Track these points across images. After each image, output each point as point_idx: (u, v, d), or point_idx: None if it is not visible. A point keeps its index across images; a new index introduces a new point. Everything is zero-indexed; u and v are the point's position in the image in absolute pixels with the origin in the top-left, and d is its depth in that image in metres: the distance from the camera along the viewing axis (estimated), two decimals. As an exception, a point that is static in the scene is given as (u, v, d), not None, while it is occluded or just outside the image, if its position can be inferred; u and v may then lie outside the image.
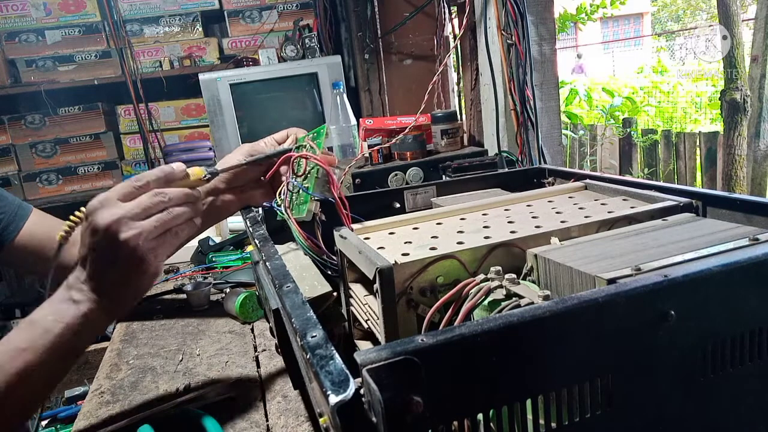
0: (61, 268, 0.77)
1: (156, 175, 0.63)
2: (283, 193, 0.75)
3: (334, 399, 0.31)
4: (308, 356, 0.35)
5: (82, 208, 0.62)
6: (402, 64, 2.30)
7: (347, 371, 0.33)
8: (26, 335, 0.57)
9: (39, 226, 0.90)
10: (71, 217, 0.64)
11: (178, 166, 0.66)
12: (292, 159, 0.76)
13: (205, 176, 0.69)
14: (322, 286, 0.63)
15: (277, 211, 0.75)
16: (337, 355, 0.34)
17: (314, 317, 0.41)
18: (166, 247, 0.61)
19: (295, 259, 0.71)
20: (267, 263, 0.57)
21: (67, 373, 0.63)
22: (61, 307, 0.59)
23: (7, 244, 0.87)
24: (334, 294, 0.64)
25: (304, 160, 0.74)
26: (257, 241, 0.66)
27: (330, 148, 1.63)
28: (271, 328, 0.70)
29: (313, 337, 0.38)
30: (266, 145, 0.81)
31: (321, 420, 0.38)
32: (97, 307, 0.59)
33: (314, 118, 2.36)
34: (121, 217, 0.58)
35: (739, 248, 0.48)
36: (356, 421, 0.31)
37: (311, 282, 0.64)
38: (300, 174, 0.75)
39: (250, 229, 0.73)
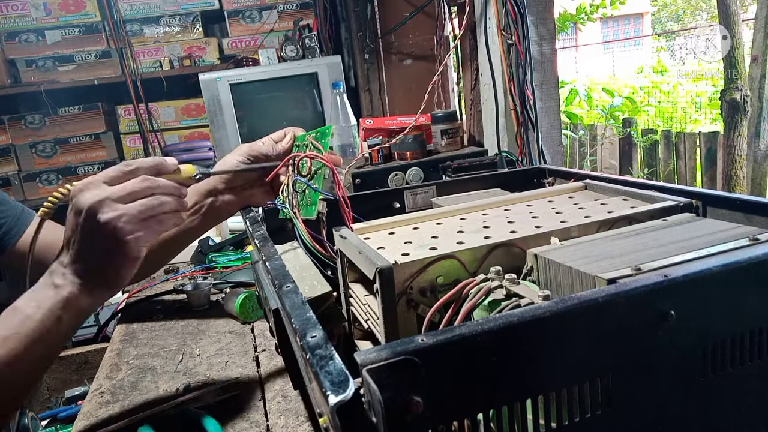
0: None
1: (147, 164, 0.63)
2: (287, 193, 0.75)
3: (333, 399, 0.31)
4: (308, 356, 0.35)
5: (67, 185, 0.61)
6: (402, 64, 2.30)
7: (347, 371, 0.33)
8: (8, 323, 0.57)
9: (44, 232, 0.89)
10: (54, 193, 0.63)
11: (170, 160, 0.65)
12: (297, 159, 0.76)
13: (196, 175, 0.69)
14: (322, 286, 0.63)
15: (282, 210, 0.75)
16: (336, 355, 0.34)
17: (314, 317, 0.41)
18: (149, 232, 0.60)
19: (294, 259, 0.71)
20: (267, 263, 0.57)
21: (55, 357, 0.63)
22: (42, 293, 0.59)
23: (9, 248, 0.86)
24: (334, 294, 0.64)
25: (308, 159, 0.74)
26: (257, 241, 0.66)
27: (330, 148, 1.62)
28: (271, 328, 0.70)
29: (312, 337, 0.38)
30: (264, 144, 0.80)
31: (321, 420, 0.39)
32: (79, 290, 0.59)
33: (314, 118, 2.36)
34: (104, 198, 0.57)
35: (739, 248, 0.48)
36: (356, 421, 0.31)
37: (311, 282, 0.64)
38: (305, 174, 0.75)
39: (250, 229, 0.73)
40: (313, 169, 0.74)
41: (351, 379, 0.32)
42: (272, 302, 0.57)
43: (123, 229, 0.57)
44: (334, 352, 0.35)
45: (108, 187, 0.59)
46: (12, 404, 0.61)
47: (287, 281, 0.50)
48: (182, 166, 0.68)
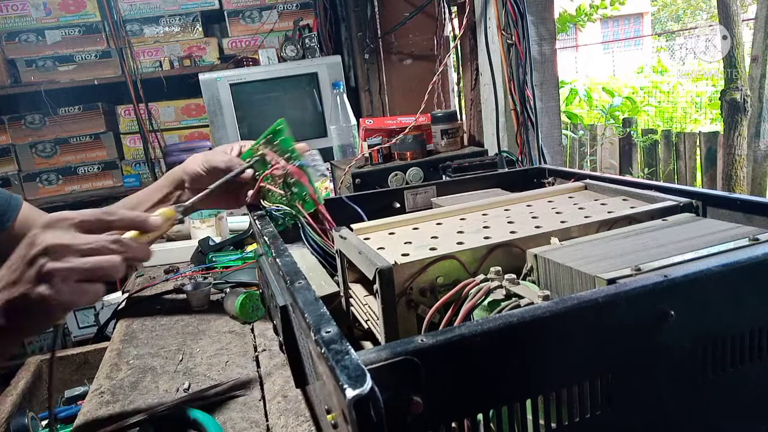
0: None
1: (128, 219, 0.58)
2: (275, 198, 0.77)
3: (351, 393, 0.30)
4: (323, 351, 0.35)
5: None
6: (402, 64, 2.30)
7: (363, 366, 0.33)
8: None
9: (32, 215, 0.94)
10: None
11: (153, 221, 0.61)
12: (258, 186, 0.78)
13: (177, 218, 0.67)
14: (330, 286, 0.63)
15: (279, 218, 0.77)
16: (352, 350, 0.34)
17: (327, 313, 0.41)
18: (82, 298, 0.54)
19: (301, 259, 0.71)
20: (278, 259, 0.56)
21: None
22: None
23: (2, 233, 0.89)
24: (342, 294, 0.64)
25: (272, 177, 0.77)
26: (266, 238, 0.66)
27: (331, 148, 1.63)
28: (274, 326, 0.70)
29: (327, 332, 0.38)
30: (215, 156, 0.85)
31: (329, 416, 0.38)
32: None
33: (314, 118, 2.36)
34: (66, 245, 0.53)
35: (739, 248, 0.48)
36: (372, 416, 0.31)
37: (318, 281, 0.64)
38: (279, 191, 0.76)
39: (258, 226, 0.73)
40: (287, 180, 0.76)
41: (368, 374, 0.32)
42: (279, 299, 0.57)
43: (60, 289, 0.52)
44: (350, 347, 0.35)
45: (76, 235, 0.54)
46: None
47: (299, 278, 0.50)
48: (160, 211, 0.64)
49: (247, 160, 0.83)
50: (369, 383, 0.31)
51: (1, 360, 0.57)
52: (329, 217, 0.73)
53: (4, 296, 0.53)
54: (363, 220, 0.74)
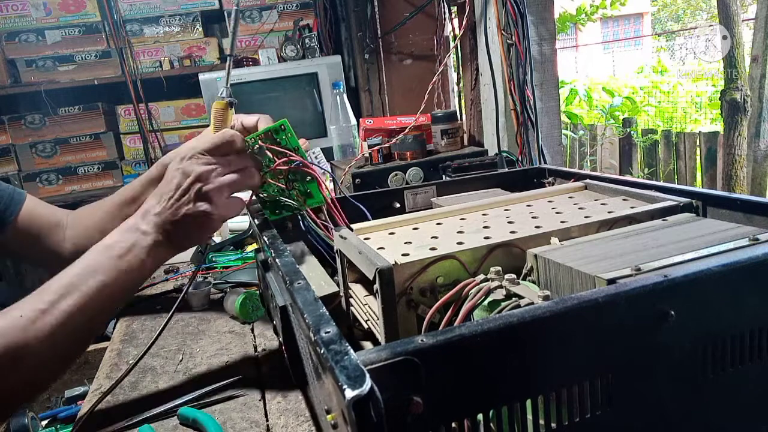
0: (55, 253, 0.86)
1: (239, 135, 0.69)
2: (275, 191, 0.75)
3: (350, 393, 0.30)
4: (322, 351, 0.35)
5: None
6: (402, 64, 2.30)
7: (363, 367, 0.33)
8: (99, 258, 0.62)
9: (37, 209, 0.94)
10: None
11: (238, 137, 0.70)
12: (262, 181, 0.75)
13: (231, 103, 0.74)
14: (329, 286, 0.63)
15: (268, 211, 0.76)
16: (351, 351, 0.34)
17: (327, 313, 0.41)
18: (231, 210, 0.67)
19: (300, 258, 0.72)
20: (277, 260, 0.56)
21: (125, 302, 0.66)
22: (129, 236, 0.64)
23: (8, 225, 0.89)
24: (341, 294, 0.64)
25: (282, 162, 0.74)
26: (266, 238, 0.66)
27: (330, 148, 1.63)
28: (274, 326, 0.70)
29: (327, 332, 0.38)
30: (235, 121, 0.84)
31: (329, 416, 0.38)
32: (161, 241, 0.65)
33: (314, 118, 2.36)
34: (212, 169, 0.65)
35: (739, 248, 0.48)
36: (372, 416, 0.31)
37: (318, 281, 0.64)
38: (281, 176, 0.74)
39: (257, 227, 0.73)
40: (290, 175, 0.74)
41: (367, 375, 0.32)
42: (279, 299, 0.57)
43: (216, 204, 0.64)
44: (349, 347, 0.35)
45: (212, 159, 0.65)
46: (87, 336, 0.64)
47: (299, 278, 0.50)
48: (213, 109, 0.74)
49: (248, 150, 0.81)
50: (368, 384, 0.31)
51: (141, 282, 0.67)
52: (341, 214, 0.72)
53: (168, 217, 0.64)
54: (367, 219, 0.74)
